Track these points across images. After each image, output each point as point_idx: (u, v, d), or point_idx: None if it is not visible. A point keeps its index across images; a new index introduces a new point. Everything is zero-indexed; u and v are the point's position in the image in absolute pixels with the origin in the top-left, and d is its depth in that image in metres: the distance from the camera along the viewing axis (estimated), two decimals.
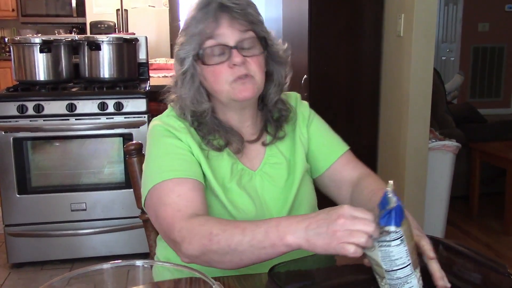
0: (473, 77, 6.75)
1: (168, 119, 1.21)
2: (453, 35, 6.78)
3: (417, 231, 0.99)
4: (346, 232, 0.84)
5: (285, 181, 1.24)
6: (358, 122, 3.09)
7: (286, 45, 1.26)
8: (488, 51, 6.73)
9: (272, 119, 1.27)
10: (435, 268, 0.93)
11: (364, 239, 0.84)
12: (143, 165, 1.21)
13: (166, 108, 1.27)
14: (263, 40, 1.19)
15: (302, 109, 1.33)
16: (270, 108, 1.26)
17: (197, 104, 1.18)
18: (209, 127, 1.20)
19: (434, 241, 1.11)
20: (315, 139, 1.31)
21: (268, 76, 1.23)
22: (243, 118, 1.25)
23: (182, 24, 1.21)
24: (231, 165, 1.20)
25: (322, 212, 0.90)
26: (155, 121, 1.23)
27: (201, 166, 1.16)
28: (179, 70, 1.19)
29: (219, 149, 1.19)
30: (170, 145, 1.16)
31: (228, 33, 1.14)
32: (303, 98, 1.38)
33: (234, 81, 1.15)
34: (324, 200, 1.33)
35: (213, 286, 0.72)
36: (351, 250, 0.84)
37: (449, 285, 0.92)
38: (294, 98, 1.34)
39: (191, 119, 1.20)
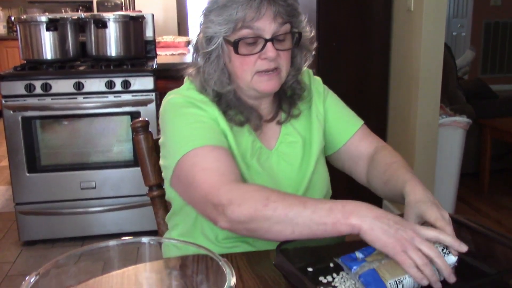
0: (484, 52, 6.65)
1: (189, 92, 1.19)
2: (465, 10, 6.67)
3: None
4: (413, 246, 0.85)
5: (300, 161, 1.23)
6: (367, 98, 3.06)
7: (312, 33, 1.23)
8: (500, 26, 6.61)
9: (286, 97, 1.25)
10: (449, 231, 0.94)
11: (425, 262, 0.84)
12: (162, 139, 1.18)
13: (174, 86, 1.25)
14: (298, 34, 1.15)
15: (316, 85, 1.31)
16: (284, 88, 1.24)
17: (220, 86, 1.16)
18: (230, 103, 1.18)
19: None
20: (331, 115, 1.30)
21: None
22: (260, 102, 1.23)
23: None
24: (251, 143, 1.19)
25: (396, 215, 0.91)
26: (173, 94, 1.20)
27: (227, 139, 1.15)
28: (204, 48, 1.14)
29: (241, 123, 1.18)
30: (195, 115, 1.13)
31: (267, 26, 1.09)
32: None
33: (259, 74, 1.12)
34: (335, 179, 1.32)
35: (220, 263, 0.72)
36: (412, 267, 0.84)
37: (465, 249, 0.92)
38: (306, 74, 1.31)
39: (212, 94, 1.17)
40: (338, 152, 1.30)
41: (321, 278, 0.94)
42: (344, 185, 1.56)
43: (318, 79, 1.34)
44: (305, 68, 1.30)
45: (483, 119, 3.61)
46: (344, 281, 0.92)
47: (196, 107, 1.15)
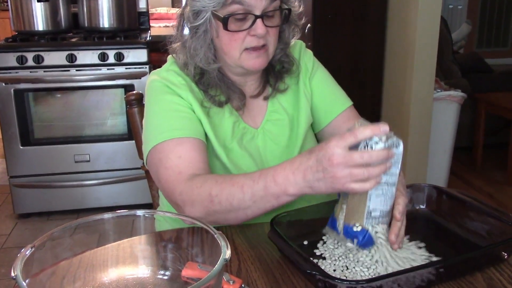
0: (480, 26, 6.61)
1: (167, 74, 1.16)
2: None
3: (401, 188, 0.97)
4: (345, 172, 0.83)
5: (287, 139, 1.22)
6: (363, 72, 3.05)
7: (301, 8, 1.20)
8: (497, 0, 6.56)
9: (274, 71, 1.24)
10: (396, 228, 0.92)
11: (365, 173, 0.83)
12: (143, 122, 1.18)
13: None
14: (287, 10, 1.13)
15: (306, 59, 1.29)
16: (272, 63, 1.22)
17: (206, 63, 1.14)
18: (212, 81, 1.16)
19: (438, 190, 1.11)
20: (317, 92, 1.27)
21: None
22: (246, 78, 1.21)
23: None
24: (232, 124, 1.18)
25: (311, 154, 0.88)
26: (154, 75, 1.18)
27: (202, 125, 1.13)
28: (191, 22, 1.12)
29: (221, 104, 1.16)
30: (169, 102, 1.13)
31: (258, 2, 1.06)
32: (307, 47, 1.33)
33: (248, 51, 1.10)
34: None
35: (215, 236, 0.72)
36: (358, 189, 0.85)
37: (399, 246, 0.92)
38: (298, 47, 1.29)
39: (194, 72, 1.15)
40: (322, 131, 1.29)
41: (316, 251, 0.95)
42: None
43: (309, 52, 1.31)
44: (297, 41, 1.28)
45: (477, 94, 3.61)
46: (333, 250, 0.93)
47: (172, 93, 1.13)
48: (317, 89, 1.27)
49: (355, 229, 0.90)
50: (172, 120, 1.11)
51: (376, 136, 0.84)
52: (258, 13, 1.07)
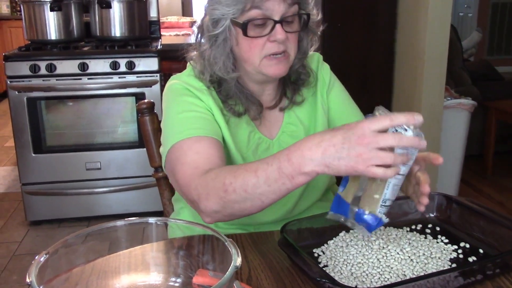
0: (491, 33, 6.59)
1: (188, 78, 1.18)
2: None
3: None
4: (373, 153, 0.80)
5: None
6: (372, 79, 3.05)
7: (319, 16, 1.20)
8: (507, 7, 6.53)
9: (290, 81, 1.24)
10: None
11: (392, 158, 0.80)
12: (162, 124, 1.18)
13: (179, 67, 1.25)
14: (306, 16, 1.13)
15: (323, 72, 1.29)
16: (289, 73, 1.21)
17: (225, 72, 1.14)
18: (230, 91, 1.16)
19: (447, 199, 1.11)
20: (334, 108, 1.27)
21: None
22: (264, 88, 1.21)
23: None
24: (248, 134, 1.18)
25: (337, 132, 0.84)
26: (174, 80, 1.19)
27: (220, 129, 1.14)
28: (210, 31, 1.12)
29: (239, 115, 1.17)
30: (189, 104, 1.13)
31: (276, 6, 1.06)
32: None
33: (268, 57, 1.10)
34: None
35: (226, 243, 0.73)
36: (380, 174, 0.81)
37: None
38: (316, 59, 1.29)
39: (209, 80, 1.15)
40: None
41: (321, 256, 0.95)
42: None
43: (326, 66, 1.31)
44: (315, 53, 1.28)
45: (488, 101, 3.60)
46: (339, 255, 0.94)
47: (193, 96, 1.14)
48: (334, 104, 1.28)
49: (367, 216, 0.88)
50: (191, 120, 1.11)
51: (405, 125, 0.82)
52: (277, 18, 1.07)
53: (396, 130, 0.83)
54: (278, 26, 1.07)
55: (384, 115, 0.82)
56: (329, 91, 1.27)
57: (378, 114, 0.85)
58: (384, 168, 0.80)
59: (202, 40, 1.16)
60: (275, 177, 0.89)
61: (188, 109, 1.12)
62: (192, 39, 1.22)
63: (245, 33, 1.08)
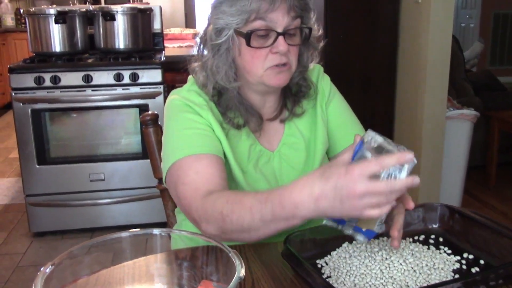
0: (493, 44, 6.61)
1: (188, 94, 1.18)
2: (474, 1, 6.62)
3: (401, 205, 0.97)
4: (366, 201, 0.80)
5: (303, 163, 1.23)
6: (375, 90, 3.06)
7: (320, 32, 1.22)
8: (509, 18, 6.56)
9: (291, 93, 1.25)
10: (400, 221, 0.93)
11: (385, 200, 0.80)
12: (162, 139, 1.19)
13: (182, 78, 1.26)
14: (308, 30, 1.15)
15: (324, 84, 1.29)
16: (290, 85, 1.23)
17: (227, 81, 1.14)
18: (230, 102, 1.17)
19: (450, 210, 1.12)
20: (333, 119, 1.28)
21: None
22: (265, 99, 1.22)
23: None
24: (249, 147, 1.19)
25: (328, 181, 0.82)
26: (174, 95, 1.20)
27: (221, 145, 1.14)
28: (213, 40, 1.13)
29: (239, 127, 1.17)
30: (189, 120, 1.14)
31: (280, 19, 1.08)
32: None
33: (270, 68, 1.11)
34: None
35: (230, 254, 0.73)
36: (377, 215, 0.81)
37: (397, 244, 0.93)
38: (316, 71, 1.30)
39: (212, 92, 1.16)
40: (332, 158, 1.29)
41: (324, 267, 0.96)
42: None
43: (327, 77, 1.32)
44: (316, 65, 1.29)
45: (491, 112, 3.60)
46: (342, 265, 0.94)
47: (193, 112, 1.15)
48: (333, 116, 1.28)
49: (365, 232, 0.90)
50: (191, 138, 1.12)
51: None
52: (280, 30, 1.09)
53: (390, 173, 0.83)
54: (280, 38, 1.09)
55: (374, 160, 0.81)
56: (328, 103, 1.28)
57: (367, 141, 0.86)
58: (379, 208, 0.81)
59: (205, 52, 1.17)
60: (270, 218, 0.90)
61: (189, 126, 1.13)
62: (195, 51, 1.23)
63: (248, 43, 1.09)
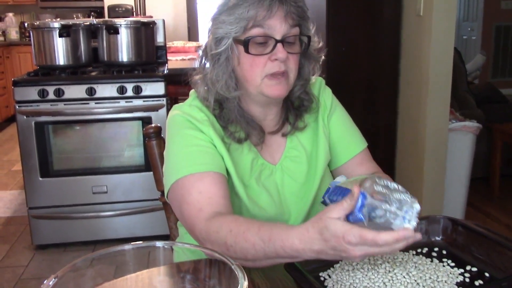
0: (495, 56, 6.62)
1: (190, 109, 1.18)
2: (475, 13, 6.65)
3: None
4: (362, 253, 0.84)
5: (305, 176, 1.23)
6: (377, 103, 3.07)
7: (321, 43, 1.22)
8: (511, 30, 6.58)
9: (293, 107, 1.25)
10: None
11: (379, 251, 0.84)
12: (164, 155, 1.19)
13: (185, 91, 1.26)
14: (307, 38, 1.16)
15: (325, 96, 1.30)
16: (292, 99, 1.24)
17: (227, 91, 1.15)
18: (231, 115, 1.17)
19: (453, 222, 1.11)
20: (334, 132, 1.28)
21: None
22: (267, 111, 1.22)
23: None
24: (251, 161, 1.19)
25: (327, 242, 0.85)
26: (176, 110, 1.20)
27: (223, 161, 1.15)
28: (213, 50, 1.14)
29: (240, 141, 1.17)
30: (191, 137, 1.14)
31: (278, 26, 1.09)
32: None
33: (269, 77, 1.12)
34: None
35: (232, 267, 0.73)
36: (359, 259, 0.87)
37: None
38: (318, 84, 1.30)
39: (213, 105, 1.17)
40: (336, 170, 1.30)
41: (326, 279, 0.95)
42: None
43: (328, 90, 1.32)
44: (317, 77, 1.29)
45: (493, 124, 3.60)
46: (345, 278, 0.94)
47: (195, 128, 1.15)
48: (334, 128, 1.29)
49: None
50: (193, 155, 1.12)
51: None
52: (278, 37, 1.10)
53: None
54: (279, 45, 1.10)
55: (371, 234, 0.81)
56: (330, 115, 1.29)
57: (367, 204, 0.86)
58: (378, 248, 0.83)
59: (207, 65, 1.18)
60: (273, 255, 0.93)
61: (191, 143, 1.13)
62: (196, 64, 1.24)
63: (246, 50, 1.10)
